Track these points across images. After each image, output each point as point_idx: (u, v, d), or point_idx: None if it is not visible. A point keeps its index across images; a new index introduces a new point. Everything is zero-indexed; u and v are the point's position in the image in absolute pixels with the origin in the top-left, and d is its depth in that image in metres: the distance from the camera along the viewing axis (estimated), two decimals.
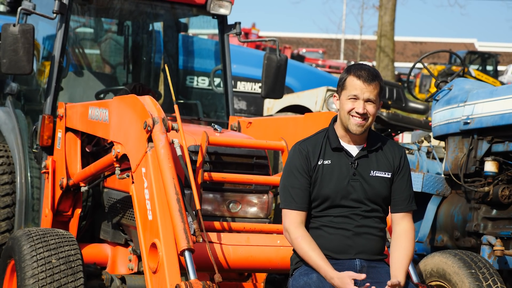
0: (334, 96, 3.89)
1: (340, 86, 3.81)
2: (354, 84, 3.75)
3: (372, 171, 3.82)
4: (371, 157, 3.85)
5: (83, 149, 5.61)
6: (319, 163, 3.81)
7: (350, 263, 3.76)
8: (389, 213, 3.96)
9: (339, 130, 3.86)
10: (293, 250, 3.92)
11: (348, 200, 3.78)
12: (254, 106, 10.32)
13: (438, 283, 4.86)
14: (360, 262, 3.77)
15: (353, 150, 3.84)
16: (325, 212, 3.81)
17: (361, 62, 4.02)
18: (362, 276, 3.59)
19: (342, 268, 3.72)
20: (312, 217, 3.84)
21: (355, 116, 3.75)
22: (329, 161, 3.81)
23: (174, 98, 4.69)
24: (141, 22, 6.89)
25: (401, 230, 3.86)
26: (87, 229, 5.81)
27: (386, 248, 4.03)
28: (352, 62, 37.51)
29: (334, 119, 3.92)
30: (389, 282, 3.63)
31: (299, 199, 3.79)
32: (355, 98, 3.74)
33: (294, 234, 3.77)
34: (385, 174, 3.84)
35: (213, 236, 4.37)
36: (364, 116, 3.75)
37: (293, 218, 3.79)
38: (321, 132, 3.93)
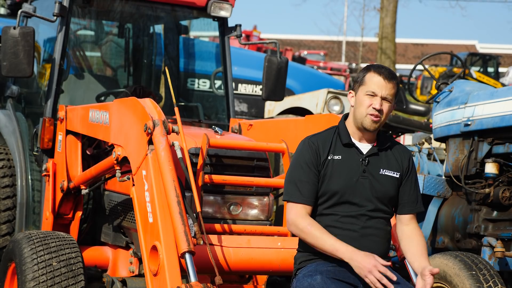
0: (350, 92, 3.89)
1: (358, 82, 3.82)
2: (374, 80, 3.77)
3: (381, 170, 3.83)
4: (381, 155, 3.86)
5: (84, 152, 5.62)
6: (329, 157, 3.80)
7: None
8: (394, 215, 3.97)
9: (350, 127, 3.86)
10: (298, 249, 3.90)
11: (356, 197, 3.77)
12: (255, 108, 10.32)
13: (439, 284, 4.86)
14: None
15: (364, 147, 3.85)
16: (332, 209, 3.78)
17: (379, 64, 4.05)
18: (388, 263, 3.57)
19: (345, 270, 3.71)
20: (318, 215, 3.81)
21: (371, 114, 3.75)
22: (339, 156, 3.81)
23: (174, 100, 4.70)
24: (141, 24, 6.90)
25: (412, 229, 3.89)
26: (88, 232, 5.81)
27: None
28: (354, 64, 37.54)
29: (345, 117, 3.93)
30: (428, 272, 3.64)
31: (305, 192, 3.76)
32: (373, 94, 3.76)
33: (302, 223, 3.72)
34: (394, 173, 3.85)
35: (213, 238, 4.36)
36: (380, 112, 3.76)
37: (298, 210, 3.76)
38: (330, 129, 3.93)
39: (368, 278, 3.55)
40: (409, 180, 3.90)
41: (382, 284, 3.55)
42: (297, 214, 3.75)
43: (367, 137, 3.85)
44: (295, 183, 3.79)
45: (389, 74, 3.78)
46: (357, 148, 3.84)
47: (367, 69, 3.84)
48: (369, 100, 3.77)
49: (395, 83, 3.80)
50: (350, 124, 3.88)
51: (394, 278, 3.57)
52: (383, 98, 3.77)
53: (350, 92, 3.89)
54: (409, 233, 3.89)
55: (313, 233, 3.70)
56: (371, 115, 3.76)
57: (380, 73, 3.78)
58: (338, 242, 3.66)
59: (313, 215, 3.81)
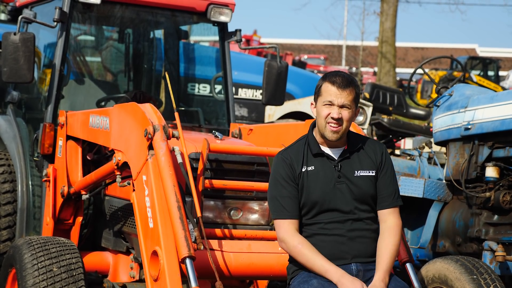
0: (312, 103, 3.93)
1: (316, 93, 3.87)
2: (329, 90, 3.80)
3: (356, 171, 3.85)
4: (353, 158, 3.88)
5: (84, 157, 5.62)
6: (303, 170, 3.84)
7: (346, 268, 3.76)
8: None
9: (318, 136, 3.90)
10: (289, 260, 3.92)
11: (336, 204, 3.80)
12: (256, 113, 10.32)
13: None
14: (356, 267, 3.78)
15: (335, 153, 3.88)
16: (316, 219, 3.82)
17: (337, 70, 4.07)
18: None
19: None
20: (304, 225, 3.84)
21: (330, 123, 3.78)
22: (313, 167, 3.85)
23: (174, 105, 4.70)
24: (142, 29, 6.90)
25: (386, 227, 3.87)
26: (88, 237, 5.81)
27: None
28: (354, 68, 37.56)
29: (313, 125, 3.96)
30: None
31: (289, 207, 3.81)
32: (330, 104, 3.79)
33: (292, 242, 3.77)
34: (369, 172, 3.87)
35: (214, 243, 4.37)
36: (339, 121, 3.78)
37: (287, 227, 3.80)
38: (301, 140, 3.97)
39: None
40: (384, 174, 3.90)
41: None
42: (287, 232, 3.79)
43: (336, 143, 3.87)
44: (277, 199, 3.83)
45: (343, 82, 3.79)
46: (328, 155, 3.87)
47: (323, 78, 3.86)
48: (327, 110, 3.80)
49: (351, 88, 3.80)
50: (317, 133, 3.91)
51: None
52: (340, 106, 3.79)
53: (312, 103, 3.93)
54: (382, 231, 3.87)
55: (303, 252, 3.74)
56: (329, 124, 3.79)
57: (334, 83, 3.79)
58: (328, 263, 3.71)
59: (300, 226, 3.84)
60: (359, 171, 3.86)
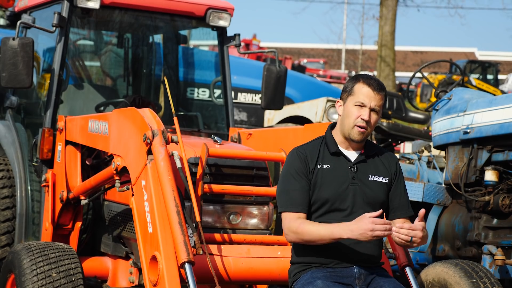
0: (338, 101, 3.90)
1: (347, 92, 3.85)
2: (364, 92, 3.80)
3: (370, 176, 3.87)
4: (369, 162, 3.90)
5: (83, 162, 5.61)
6: (318, 166, 3.83)
7: (349, 271, 3.76)
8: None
9: (337, 136, 3.90)
10: (291, 261, 3.91)
11: (346, 204, 3.79)
12: (255, 117, 10.31)
13: None
14: (359, 270, 3.78)
15: (352, 155, 3.89)
16: (324, 218, 3.79)
17: (367, 73, 4.08)
18: (379, 212, 3.60)
19: (340, 275, 3.74)
20: None
21: (359, 124, 3.79)
22: (328, 165, 3.84)
23: (173, 110, 4.70)
24: (141, 34, 6.91)
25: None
26: (87, 242, 5.81)
27: (383, 255, 4.05)
28: (353, 72, 37.57)
29: (331, 126, 3.97)
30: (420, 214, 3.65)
31: (298, 200, 3.78)
32: (362, 105, 3.79)
33: (294, 225, 3.72)
34: (382, 179, 3.89)
35: (213, 248, 4.36)
36: (367, 124, 3.79)
37: (292, 218, 3.76)
38: (317, 139, 3.96)
39: (375, 235, 3.56)
40: (398, 184, 3.93)
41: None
42: (290, 220, 3.76)
43: (354, 146, 3.88)
44: (287, 193, 3.81)
45: (378, 85, 3.82)
46: (345, 156, 3.87)
47: (356, 79, 3.86)
48: (357, 111, 3.80)
49: (383, 94, 3.85)
50: (337, 133, 3.91)
51: (389, 222, 3.62)
52: (371, 109, 3.80)
53: (338, 101, 3.91)
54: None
55: (306, 229, 3.71)
56: (358, 126, 3.80)
57: (370, 84, 3.81)
58: (331, 226, 3.68)
59: None
60: (373, 176, 3.87)
